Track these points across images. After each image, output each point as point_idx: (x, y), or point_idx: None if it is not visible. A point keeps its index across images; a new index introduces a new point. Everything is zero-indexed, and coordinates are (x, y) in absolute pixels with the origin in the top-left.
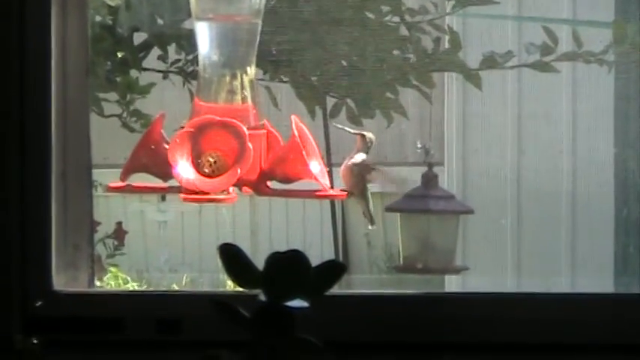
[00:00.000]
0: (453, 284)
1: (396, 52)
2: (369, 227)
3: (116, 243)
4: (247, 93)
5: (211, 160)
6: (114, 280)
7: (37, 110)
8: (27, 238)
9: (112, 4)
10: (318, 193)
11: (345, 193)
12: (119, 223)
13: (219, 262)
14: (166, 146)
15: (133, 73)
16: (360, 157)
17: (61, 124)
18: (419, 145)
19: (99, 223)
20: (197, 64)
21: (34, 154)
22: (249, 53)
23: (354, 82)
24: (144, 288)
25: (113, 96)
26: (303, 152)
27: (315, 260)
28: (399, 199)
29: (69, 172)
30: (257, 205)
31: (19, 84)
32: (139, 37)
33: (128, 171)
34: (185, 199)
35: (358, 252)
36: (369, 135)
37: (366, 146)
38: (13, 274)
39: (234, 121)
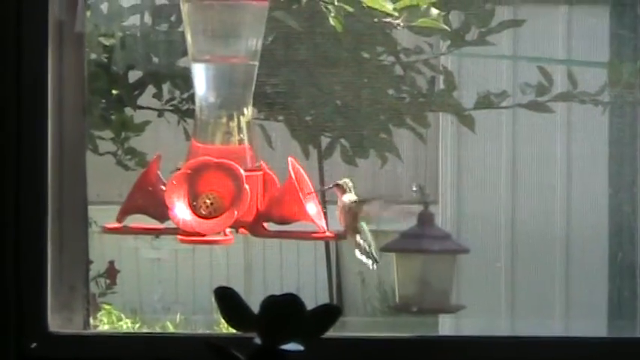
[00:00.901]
0: (447, 325)
1: (390, 91)
2: (371, 267)
3: (108, 282)
4: (244, 134)
5: (208, 201)
6: (107, 317)
7: (34, 148)
8: (23, 279)
9: (107, 42)
10: (314, 235)
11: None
12: (111, 262)
13: (213, 302)
14: (163, 187)
15: (128, 111)
16: (347, 197)
17: (57, 162)
18: (414, 188)
19: (91, 262)
20: (192, 103)
21: (30, 193)
22: (245, 95)
23: (348, 122)
24: (137, 326)
25: (108, 134)
26: (300, 194)
27: (309, 301)
28: (394, 238)
29: (65, 211)
30: (251, 245)
31: (16, 122)
32: (134, 76)
33: (125, 212)
34: (182, 241)
35: (352, 290)
36: (342, 181)
37: (346, 190)
38: (9, 314)
39: (231, 162)
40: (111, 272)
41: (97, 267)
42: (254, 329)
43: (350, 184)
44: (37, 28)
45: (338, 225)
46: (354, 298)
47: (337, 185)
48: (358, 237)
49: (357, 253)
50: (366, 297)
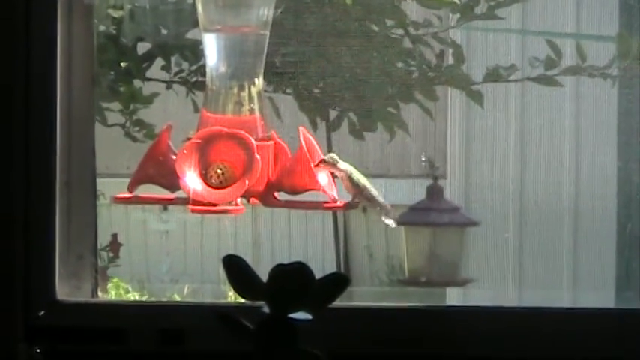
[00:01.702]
0: (454, 297)
1: (399, 65)
2: (391, 225)
3: (111, 255)
4: (255, 104)
5: (219, 171)
6: (115, 290)
7: (42, 120)
8: (31, 248)
9: (116, 14)
10: (325, 205)
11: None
12: (114, 235)
13: (220, 273)
14: (174, 158)
15: (137, 82)
16: (344, 165)
17: (65, 133)
18: (423, 159)
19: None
20: (201, 74)
21: (38, 164)
22: (256, 65)
23: (356, 95)
24: (145, 298)
25: (116, 105)
26: (311, 164)
27: (316, 272)
28: (403, 211)
29: (73, 182)
30: (259, 216)
31: (24, 94)
32: (142, 48)
33: (136, 182)
34: (193, 210)
35: (360, 264)
36: (326, 157)
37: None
38: (17, 283)
39: (241, 132)
40: (114, 245)
41: (104, 240)
42: (262, 298)
43: (335, 157)
44: (46, 1)
45: (347, 196)
46: (361, 271)
47: (323, 161)
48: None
49: (380, 214)
50: (374, 270)
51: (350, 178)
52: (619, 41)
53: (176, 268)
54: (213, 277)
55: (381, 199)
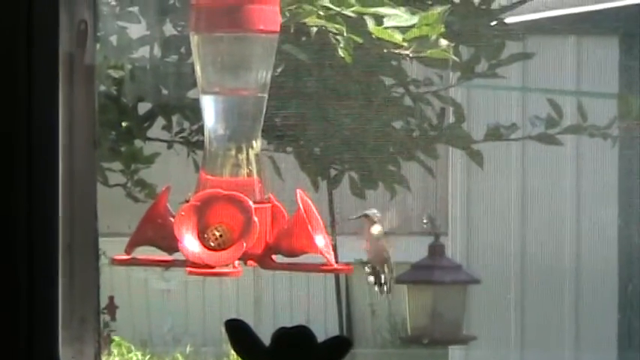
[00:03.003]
0: (456, 356)
1: (399, 124)
2: (387, 295)
3: (108, 318)
4: (253, 166)
5: (217, 233)
6: (117, 349)
7: (44, 182)
8: (33, 312)
9: (117, 75)
10: (323, 267)
11: (351, 266)
12: (111, 298)
13: (222, 333)
14: (172, 219)
15: (138, 142)
16: (376, 229)
17: (67, 195)
18: (425, 220)
19: None
20: (202, 134)
21: (41, 227)
22: (255, 127)
23: (356, 154)
24: (148, 358)
25: (117, 165)
26: (309, 226)
27: (318, 332)
28: (406, 270)
29: (75, 244)
30: (261, 278)
31: (26, 156)
32: (143, 107)
33: (133, 244)
34: (190, 273)
35: (362, 322)
36: (370, 212)
37: (375, 220)
38: (20, 347)
39: (239, 194)
40: (110, 308)
41: (104, 299)
42: None
43: (378, 215)
44: (47, 61)
45: (347, 256)
46: (363, 329)
47: (366, 216)
48: (385, 266)
49: (372, 280)
50: (376, 328)
51: (379, 243)
52: (620, 101)
53: (178, 328)
54: (215, 336)
55: (388, 277)
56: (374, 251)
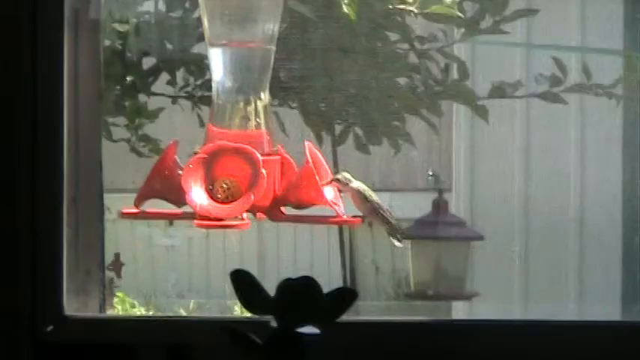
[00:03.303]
0: (460, 311)
1: (404, 80)
2: (398, 245)
3: (113, 275)
4: (261, 119)
5: (225, 186)
6: (121, 305)
7: (49, 135)
8: (38, 263)
9: (121, 29)
10: (332, 219)
11: (360, 218)
12: (117, 255)
13: (226, 288)
14: (180, 172)
15: (142, 97)
16: (356, 184)
17: (72, 148)
18: (430, 173)
19: None
20: (206, 89)
21: (45, 179)
22: (262, 79)
23: (361, 109)
24: (151, 313)
25: (122, 120)
26: (317, 178)
27: (322, 287)
28: (409, 226)
29: (80, 197)
30: (265, 231)
31: (31, 109)
32: (148, 62)
33: (142, 197)
34: (198, 225)
35: (366, 278)
36: (340, 175)
37: (347, 182)
38: (25, 298)
39: (247, 147)
40: (116, 265)
41: (109, 256)
42: (270, 313)
43: (348, 176)
44: (52, 16)
45: (354, 210)
46: (367, 285)
47: (336, 180)
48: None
49: (389, 233)
50: (380, 284)
51: (363, 197)
52: (626, 57)
53: (182, 284)
54: (219, 292)
55: (393, 220)
56: (364, 208)
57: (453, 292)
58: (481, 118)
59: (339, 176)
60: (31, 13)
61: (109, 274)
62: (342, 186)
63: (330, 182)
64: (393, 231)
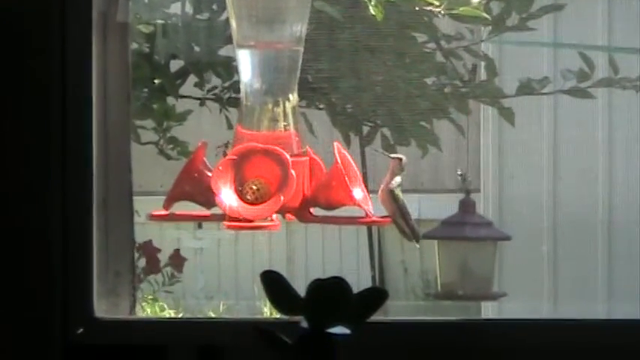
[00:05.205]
0: (489, 311)
1: (431, 79)
2: (416, 245)
3: (173, 271)
4: (289, 120)
5: (254, 187)
6: (150, 308)
7: (79, 137)
8: (69, 265)
9: (148, 31)
10: (361, 220)
11: (389, 218)
12: (177, 250)
13: (255, 289)
14: (209, 174)
15: (170, 100)
16: (397, 180)
17: (102, 151)
18: (459, 172)
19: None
20: (234, 91)
21: (75, 182)
22: (290, 80)
23: (389, 110)
24: (181, 315)
25: (150, 123)
26: (346, 179)
27: (352, 288)
28: (436, 226)
29: (110, 200)
30: (293, 232)
31: (61, 112)
32: (175, 65)
33: (171, 199)
34: (228, 227)
35: (395, 279)
36: (405, 159)
37: (401, 169)
38: (55, 300)
39: (277, 148)
40: (176, 260)
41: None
42: (300, 313)
43: (405, 166)
44: (80, 20)
45: (383, 211)
46: (396, 286)
47: (400, 160)
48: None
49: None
50: (409, 285)
51: (393, 197)
52: None
53: (211, 286)
54: (248, 293)
55: (413, 223)
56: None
57: (480, 292)
58: (507, 122)
59: (401, 156)
60: (60, 18)
61: (167, 270)
62: (398, 169)
63: (396, 158)
64: (413, 235)
